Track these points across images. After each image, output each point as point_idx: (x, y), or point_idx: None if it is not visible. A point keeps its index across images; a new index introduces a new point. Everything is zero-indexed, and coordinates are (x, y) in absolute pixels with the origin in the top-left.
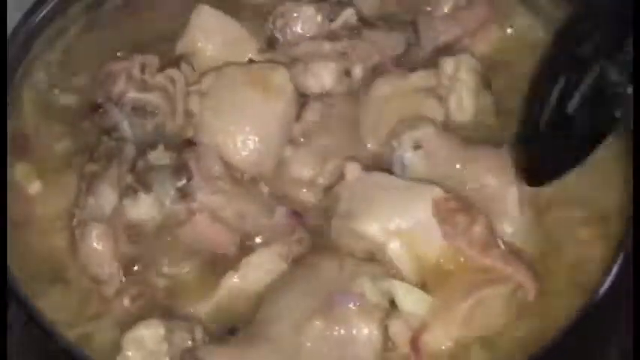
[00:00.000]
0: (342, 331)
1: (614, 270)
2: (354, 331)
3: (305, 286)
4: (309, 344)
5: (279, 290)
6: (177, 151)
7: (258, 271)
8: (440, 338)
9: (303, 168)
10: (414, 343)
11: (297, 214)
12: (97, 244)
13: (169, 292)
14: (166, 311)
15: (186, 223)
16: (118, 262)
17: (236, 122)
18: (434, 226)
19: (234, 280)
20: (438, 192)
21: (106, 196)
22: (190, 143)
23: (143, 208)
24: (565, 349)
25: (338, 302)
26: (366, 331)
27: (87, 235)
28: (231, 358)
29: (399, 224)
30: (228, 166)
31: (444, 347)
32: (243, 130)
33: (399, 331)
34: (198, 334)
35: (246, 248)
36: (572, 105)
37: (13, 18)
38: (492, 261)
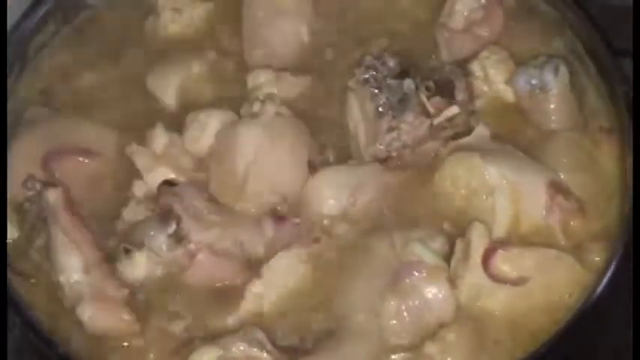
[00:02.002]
0: (416, 301)
1: (612, 269)
2: (427, 296)
3: (368, 272)
4: (391, 323)
5: (346, 285)
6: (153, 199)
7: (280, 274)
8: (510, 261)
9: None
10: (489, 253)
11: (282, 218)
12: (97, 321)
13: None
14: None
15: (190, 266)
16: (129, 314)
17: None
18: (542, 196)
19: (259, 287)
20: (558, 175)
21: (70, 266)
22: (169, 184)
23: (141, 266)
24: (564, 348)
25: (402, 276)
26: (436, 291)
27: (83, 316)
28: None
29: (516, 179)
30: (209, 197)
31: (509, 273)
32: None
33: (477, 238)
34: (263, 339)
35: (253, 269)
36: None
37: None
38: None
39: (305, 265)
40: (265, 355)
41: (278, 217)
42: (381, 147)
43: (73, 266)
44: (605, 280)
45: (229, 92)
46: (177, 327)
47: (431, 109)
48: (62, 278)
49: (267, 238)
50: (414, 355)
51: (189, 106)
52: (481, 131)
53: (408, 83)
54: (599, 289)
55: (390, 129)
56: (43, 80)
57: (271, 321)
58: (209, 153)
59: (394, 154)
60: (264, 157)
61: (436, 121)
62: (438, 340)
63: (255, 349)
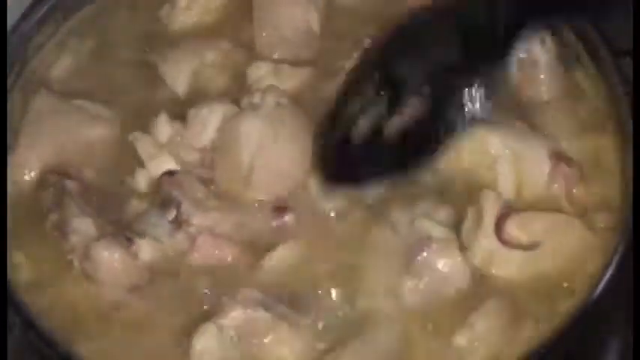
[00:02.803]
0: (433, 276)
1: (613, 267)
2: (442, 269)
3: (377, 261)
4: (411, 301)
5: (357, 275)
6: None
7: (281, 267)
8: (522, 226)
9: None
10: (501, 219)
11: (281, 208)
12: (110, 253)
13: None
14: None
15: (191, 250)
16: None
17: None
18: (545, 165)
19: (260, 275)
20: (559, 143)
21: (83, 227)
22: (170, 173)
23: (142, 253)
24: (564, 348)
25: (413, 255)
26: (451, 262)
27: (94, 253)
28: (357, 352)
29: (518, 149)
30: (208, 183)
31: (521, 237)
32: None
33: (489, 204)
34: (256, 296)
35: (255, 255)
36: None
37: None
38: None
39: (309, 255)
40: (263, 312)
41: (278, 208)
42: None
43: (86, 226)
44: (605, 280)
45: (241, 82)
46: (179, 318)
47: None
48: (74, 238)
49: (268, 227)
50: (443, 346)
51: (199, 95)
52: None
53: None
54: (600, 288)
55: None
56: (52, 68)
57: None
58: (212, 147)
59: None
60: (267, 147)
61: None
62: (466, 327)
63: (249, 310)
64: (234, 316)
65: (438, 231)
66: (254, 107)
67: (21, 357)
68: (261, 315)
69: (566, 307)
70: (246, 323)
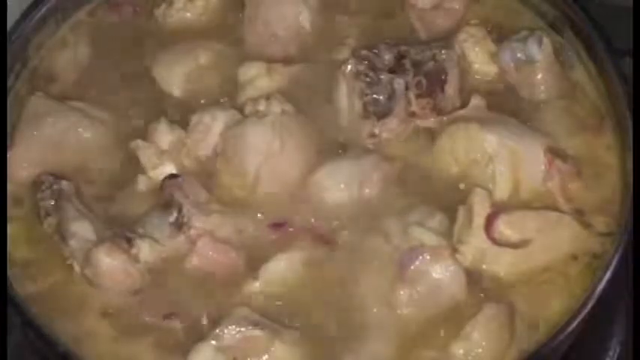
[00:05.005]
0: (427, 284)
1: (612, 267)
2: (436, 277)
3: (371, 271)
4: (407, 311)
5: (351, 285)
6: (155, 192)
7: (277, 277)
8: (512, 225)
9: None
10: (491, 218)
11: (279, 224)
12: (110, 258)
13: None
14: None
15: (191, 253)
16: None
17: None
18: (541, 161)
19: (255, 286)
20: (555, 141)
21: (82, 231)
22: (172, 176)
23: (142, 255)
24: (564, 348)
25: (406, 264)
26: (443, 270)
27: (94, 259)
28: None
29: (514, 146)
30: (210, 188)
31: (511, 236)
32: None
33: (479, 202)
34: (249, 314)
35: (252, 263)
36: None
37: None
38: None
39: (304, 267)
40: (258, 331)
41: (276, 225)
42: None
43: (85, 230)
44: (604, 281)
45: (234, 82)
46: (176, 323)
47: (417, 110)
48: (73, 242)
49: (266, 236)
50: (440, 356)
51: (194, 96)
52: (477, 102)
53: (399, 82)
54: (599, 288)
55: (372, 135)
56: (47, 70)
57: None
58: (214, 153)
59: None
60: (274, 156)
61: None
62: (463, 336)
63: (243, 329)
64: (230, 335)
65: (431, 239)
66: (259, 115)
67: (21, 357)
68: (256, 334)
69: (563, 308)
70: (241, 343)
